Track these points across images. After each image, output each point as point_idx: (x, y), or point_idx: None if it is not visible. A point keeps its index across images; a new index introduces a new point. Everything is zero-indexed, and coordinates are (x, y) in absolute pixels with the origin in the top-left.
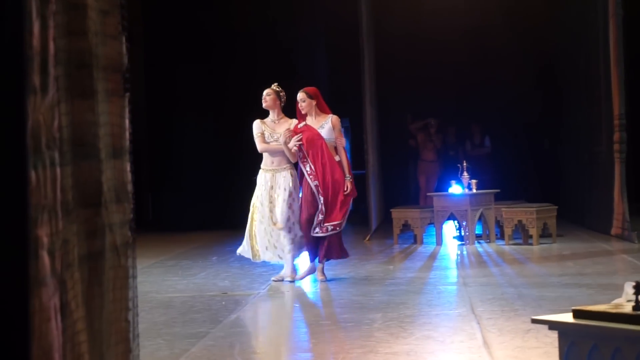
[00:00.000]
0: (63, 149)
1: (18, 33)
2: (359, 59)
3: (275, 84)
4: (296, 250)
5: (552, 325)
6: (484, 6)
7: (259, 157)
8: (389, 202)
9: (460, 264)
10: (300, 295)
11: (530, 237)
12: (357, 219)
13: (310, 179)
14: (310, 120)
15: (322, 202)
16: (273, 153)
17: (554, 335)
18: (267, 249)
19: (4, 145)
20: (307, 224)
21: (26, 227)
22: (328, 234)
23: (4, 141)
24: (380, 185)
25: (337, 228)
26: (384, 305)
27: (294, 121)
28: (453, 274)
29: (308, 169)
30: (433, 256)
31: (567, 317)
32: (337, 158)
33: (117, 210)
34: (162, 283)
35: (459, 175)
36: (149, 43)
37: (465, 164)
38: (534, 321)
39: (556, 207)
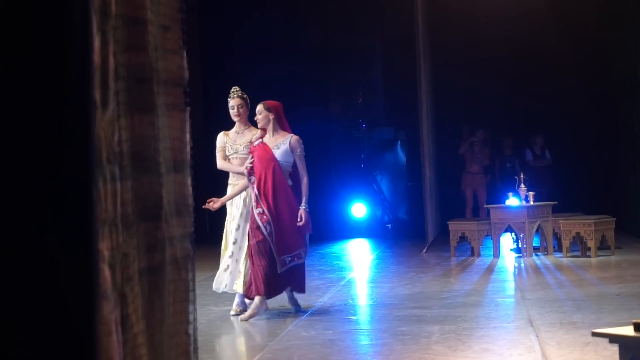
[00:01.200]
0: (123, 163)
1: (83, 49)
2: (414, 71)
3: (236, 88)
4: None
5: (613, 338)
6: (539, 14)
7: (321, 171)
8: (446, 215)
9: (518, 276)
10: (358, 308)
11: (589, 249)
12: (413, 231)
13: (254, 205)
14: (267, 138)
15: (267, 232)
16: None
17: (613, 349)
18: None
19: (69, 160)
20: (255, 254)
21: (90, 241)
22: (288, 266)
23: (67, 156)
24: (436, 197)
25: (298, 259)
26: (442, 318)
27: (258, 132)
28: (511, 286)
29: (254, 193)
30: (490, 269)
31: (628, 330)
32: (289, 183)
33: (178, 223)
34: (220, 296)
35: (517, 187)
36: (206, 57)
37: (522, 175)
38: (595, 334)
39: (614, 219)
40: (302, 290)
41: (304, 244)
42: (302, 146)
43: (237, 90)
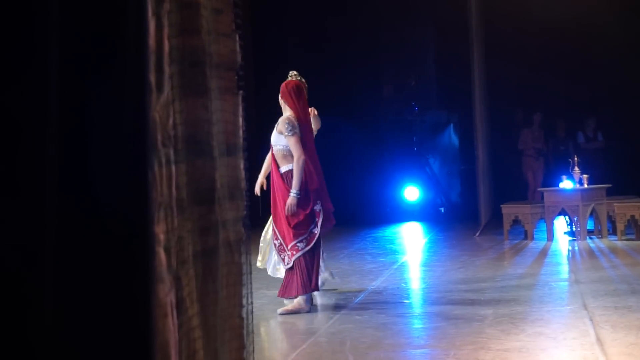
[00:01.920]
0: (177, 147)
1: (138, 33)
2: (468, 55)
3: (294, 72)
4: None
5: None
6: None
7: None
8: (499, 198)
9: (572, 259)
10: (411, 292)
11: None
12: (466, 214)
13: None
14: None
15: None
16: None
17: None
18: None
19: (125, 143)
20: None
21: (146, 225)
22: (287, 266)
23: (125, 140)
24: (489, 180)
25: (290, 258)
26: (495, 302)
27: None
28: (564, 270)
29: None
30: (544, 252)
31: None
32: (283, 168)
33: (231, 207)
34: (273, 279)
35: (570, 170)
36: (259, 41)
37: (576, 158)
38: None
39: None
40: (279, 293)
41: (296, 239)
42: (289, 125)
43: (294, 75)
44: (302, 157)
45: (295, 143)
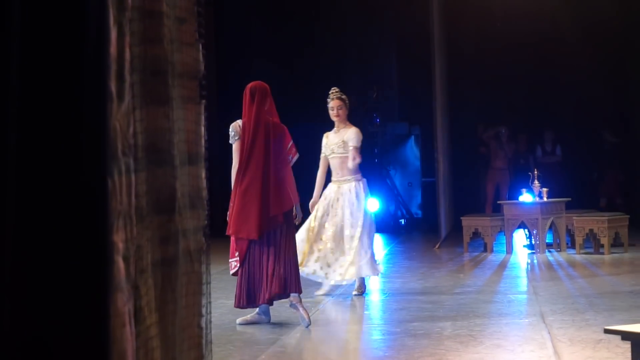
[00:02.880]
0: (138, 155)
1: (99, 41)
2: (430, 68)
3: (335, 89)
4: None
5: (625, 335)
6: (555, 9)
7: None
8: (460, 210)
9: (531, 272)
10: (370, 303)
11: (602, 246)
12: (427, 227)
13: None
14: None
15: None
16: (333, 166)
17: (626, 346)
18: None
19: (83, 152)
20: None
21: (104, 233)
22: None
23: (83, 148)
24: (450, 193)
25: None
26: (454, 314)
27: (352, 129)
28: (523, 282)
29: None
30: (503, 265)
31: None
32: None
33: (191, 216)
34: (233, 289)
35: (530, 183)
36: (222, 51)
37: (536, 172)
38: (607, 331)
39: (628, 216)
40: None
41: (236, 250)
42: (231, 131)
43: (336, 92)
44: (237, 166)
45: (234, 151)
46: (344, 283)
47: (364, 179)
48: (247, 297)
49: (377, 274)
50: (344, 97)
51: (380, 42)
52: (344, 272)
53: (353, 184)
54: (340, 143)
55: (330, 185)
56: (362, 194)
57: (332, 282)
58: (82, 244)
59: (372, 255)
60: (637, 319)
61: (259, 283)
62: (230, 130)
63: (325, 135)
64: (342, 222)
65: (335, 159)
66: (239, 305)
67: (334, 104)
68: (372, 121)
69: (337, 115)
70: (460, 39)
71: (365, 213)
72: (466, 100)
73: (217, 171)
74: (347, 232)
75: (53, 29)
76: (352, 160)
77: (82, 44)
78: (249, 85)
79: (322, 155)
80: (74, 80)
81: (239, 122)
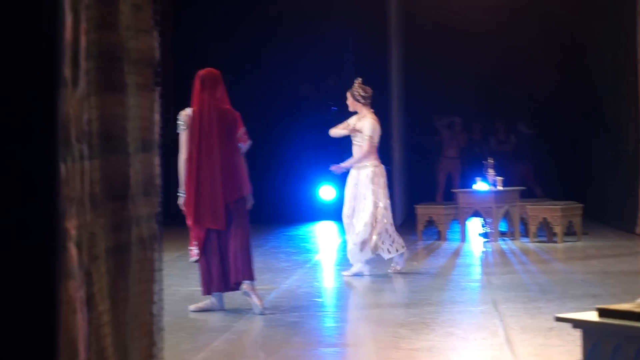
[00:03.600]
0: (92, 142)
1: (52, 26)
2: (386, 56)
3: (357, 80)
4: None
5: (576, 323)
6: (511, 1)
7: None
8: (414, 198)
9: (484, 261)
10: (324, 291)
11: (555, 235)
12: None
13: None
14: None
15: None
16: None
17: (577, 334)
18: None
19: (36, 138)
20: None
21: (56, 220)
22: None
23: (36, 134)
24: (405, 181)
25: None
26: (407, 302)
27: (366, 121)
28: (477, 271)
29: None
30: (457, 253)
31: (592, 316)
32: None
33: (145, 203)
34: (186, 276)
35: (484, 172)
36: (178, 38)
37: (490, 160)
38: (558, 319)
39: (581, 205)
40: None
41: (194, 238)
42: (179, 120)
43: (358, 82)
44: (184, 156)
45: (183, 140)
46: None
47: (380, 166)
48: (217, 284)
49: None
50: (352, 89)
51: (338, 31)
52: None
53: (364, 170)
54: (354, 131)
55: (351, 171)
56: (367, 181)
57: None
58: (34, 231)
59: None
60: (589, 307)
61: (222, 270)
62: (178, 119)
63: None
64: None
65: (354, 146)
66: (207, 292)
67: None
68: (329, 109)
69: (349, 106)
70: (417, 28)
71: (369, 198)
72: (421, 89)
73: (172, 158)
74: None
75: (5, 13)
76: (361, 149)
77: (36, 29)
78: (199, 72)
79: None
80: (27, 65)
81: (188, 110)
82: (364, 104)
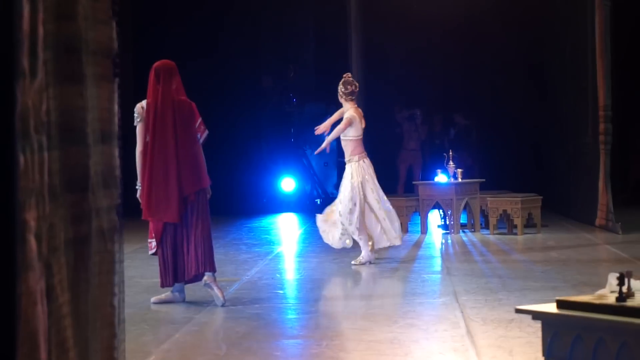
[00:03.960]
0: (51, 133)
1: (9, 16)
2: (347, 47)
3: (346, 75)
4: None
5: (536, 315)
6: None
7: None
8: None
9: (445, 253)
10: (285, 282)
11: (515, 227)
12: None
13: None
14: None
15: None
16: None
17: (537, 325)
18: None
19: None
20: None
21: (14, 211)
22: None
23: None
24: None
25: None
26: (368, 293)
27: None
28: (437, 262)
29: None
30: (417, 245)
31: (551, 308)
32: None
33: (105, 195)
34: (147, 268)
35: (445, 164)
36: (137, 28)
37: (451, 153)
38: (518, 311)
39: (541, 197)
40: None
41: (151, 230)
42: (135, 113)
43: (347, 75)
44: (139, 148)
45: (138, 133)
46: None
47: (359, 161)
48: (173, 276)
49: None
50: (350, 80)
51: (297, 21)
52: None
53: (348, 165)
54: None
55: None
56: (348, 175)
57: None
58: None
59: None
60: (548, 299)
61: (180, 262)
62: (134, 111)
63: None
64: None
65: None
66: (166, 284)
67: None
68: (289, 101)
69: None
70: (377, 19)
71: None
72: (382, 81)
73: (132, 150)
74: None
75: None
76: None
77: None
78: (155, 64)
79: None
80: None
81: (143, 103)
82: (346, 99)
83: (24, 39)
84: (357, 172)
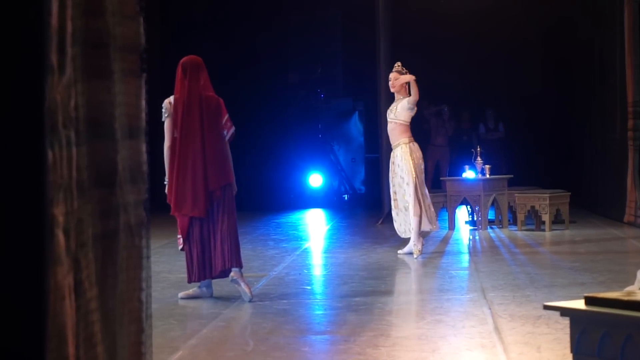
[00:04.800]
0: (79, 129)
1: (39, 12)
2: (374, 43)
3: (398, 63)
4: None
5: (564, 311)
6: None
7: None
8: None
9: (473, 249)
10: (313, 278)
11: (543, 223)
12: (370, 202)
13: None
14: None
15: None
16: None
17: (565, 322)
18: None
19: (22, 124)
20: None
21: (43, 206)
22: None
23: (22, 120)
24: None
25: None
26: (396, 289)
27: (406, 98)
28: (465, 259)
29: None
30: (445, 241)
31: (579, 304)
32: None
33: (132, 190)
34: (175, 263)
35: (473, 160)
36: (165, 24)
37: (479, 149)
38: (546, 307)
39: (569, 193)
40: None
41: (178, 226)
42: (162, 108)
43: (396, 65)
44: (167, 144)
45: (166, 128)
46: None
47: (414, 143)
48: (199, 272)
49: (430, 229)
50: (401, 69)
51: (325, 17)
52: (403, 229)
53: (401, 147)
54: (394, 109)
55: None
56: (406, 157)
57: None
58: (22, 217)
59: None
60: (576, 296)
61: (207, 258)
62: (162, 107)
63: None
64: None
65: (389, 125)
66: (192, 280)
67: (390, 76)
68: (316, 97)
69: (393, 86)
70: (405, 15)
71: (411, 173)
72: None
73: (159, 146)
74: (399, 192)
75: None
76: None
77: (23, 16)
78: (182, 60)
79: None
80: (14, 52)
81: (171, 98)
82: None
83: (53, 35)
84: (414, 153)
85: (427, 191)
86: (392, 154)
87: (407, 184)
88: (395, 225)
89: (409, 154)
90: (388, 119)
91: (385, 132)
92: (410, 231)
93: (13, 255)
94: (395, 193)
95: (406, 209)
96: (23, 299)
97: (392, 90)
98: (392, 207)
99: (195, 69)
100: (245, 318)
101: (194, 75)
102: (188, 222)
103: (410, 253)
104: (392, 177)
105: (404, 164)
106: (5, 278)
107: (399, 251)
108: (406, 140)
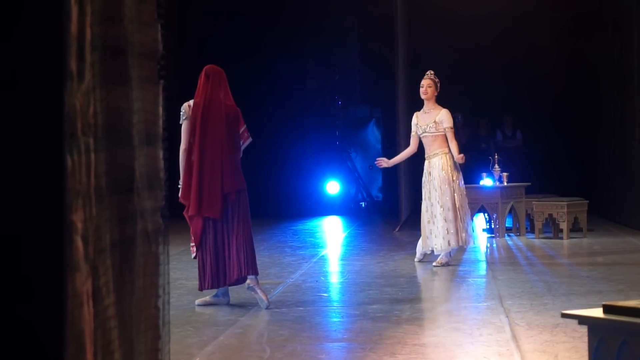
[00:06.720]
0: (97, 135)
1: (58, 19)
2: (392, 50)
3: (430, 71)
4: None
5: (582, 320)
6: None
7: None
8: (419, 194)
9: (490, 257)
10: (330, 285)
11: (561, 231)
12: (387, 210)
13: None
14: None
15: None
16: (425, 143)
17: (583, 330)
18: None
19: (42, 130)
20: None
21: (62, 213)
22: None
23: (41, 126)
24: (410, 176)
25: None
26: (413, 297)
27: (444, 111)
28: (482, 266)
29: None
30: (462, 248)
31: (597, 312)
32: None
33: (149, 197)
34: (192, 270)
35: (490, 167)
36: (183, 31)
37: (496, 156)
38: (564, 315)
39: (587, 201)
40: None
41: (191, 234)
42: (181, 111)
43: (429, 73)
44: (183, 146)
45: (183, 131)
46: (436, 253)
47: (447, 154)
48: (211, 280)
49: (466, 245)
50: (435, 79)
51: (343, 24)
52: (437, 243)
53: (440, 157)
54: (432, 123)
55: (425, 163)
56: (447, 167)
57: (428, 251)
58: (40, 223)
59: (465, 226)
60: (594, 304)
61: (222, 265)
62: (181, 110)
63: (415, 115)
64: (435, 194)
65: (427, 137)
66: (203, 288)
67: (424, 82)
68: (334, 104)
69: (425, 93)
70: (423, 22)
71: (453, 184)
72: None
73: (176, 153)
74: (437, 204)
75: (12, 7)
76: (452, 142)
77: (42, 22)
78: (206, 67)
79: (412, 134)
80: (34, 58)
81: (190, 102)
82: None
83: (72, 42)
84: (448, 164)
85: (467, 204)
86: (426, 164)
87: (446, 194)
88: (434, 241)
89: (448, 164)
90: (424, 132)
91: (404, 139)
92: (448, 245)
93: (32, 261)
94: (432, 205)
95: (446, 220)
96: (42, 305)
97: (423, 96)
98: (425, 221)
99: (217, 76)
100: (261, 325)
101: (216, 82)
102: (202, 229)
103: (447, 264)
104: (429, 190)
105: (444, 173)
106: (25, 284)
107: (434, 263)
108: (446, 150)
